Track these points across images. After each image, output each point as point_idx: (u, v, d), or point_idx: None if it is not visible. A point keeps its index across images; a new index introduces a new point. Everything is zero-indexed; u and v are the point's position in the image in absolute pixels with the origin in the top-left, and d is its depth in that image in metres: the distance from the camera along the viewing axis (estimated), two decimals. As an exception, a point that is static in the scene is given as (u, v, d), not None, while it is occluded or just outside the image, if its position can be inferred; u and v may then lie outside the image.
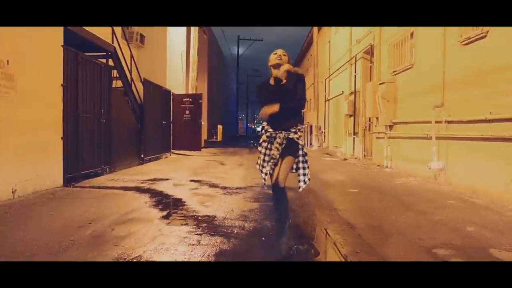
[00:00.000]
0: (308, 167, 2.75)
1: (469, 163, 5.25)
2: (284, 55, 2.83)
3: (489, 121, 4.73)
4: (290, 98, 2.71)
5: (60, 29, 5.37)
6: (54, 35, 5.24)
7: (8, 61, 4.29)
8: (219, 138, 21.20)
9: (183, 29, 14.25)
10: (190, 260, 2.50)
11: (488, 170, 4.78)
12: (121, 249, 2.69)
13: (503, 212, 3.94)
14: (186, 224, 3.43)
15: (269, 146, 2.73)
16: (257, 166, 2.82)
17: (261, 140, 2.79)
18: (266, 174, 2.72)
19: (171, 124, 11.62)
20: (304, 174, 2.73)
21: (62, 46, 5.37)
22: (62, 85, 5.37)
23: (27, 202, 4.26)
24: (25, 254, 2.57)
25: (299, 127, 2.75)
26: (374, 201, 4.74)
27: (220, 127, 21.66)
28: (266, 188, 2.82)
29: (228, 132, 29.18)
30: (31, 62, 4.73)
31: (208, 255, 2.59)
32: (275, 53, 2.83)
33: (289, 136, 2.68)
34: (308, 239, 3.11)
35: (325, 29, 16.69)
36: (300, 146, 2.72)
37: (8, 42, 4.33)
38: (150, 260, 2.49)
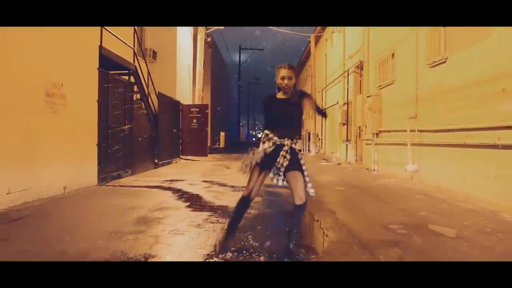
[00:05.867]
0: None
1: (436, 165, 6.31)
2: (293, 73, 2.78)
3: (448, 131, 5.82)
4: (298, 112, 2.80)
5: (96, 55, 6.50)
6: (92, 60, 6.36)
7: (62, 84, 5.39)
8: (222, 144, 22.31)
9: (190, 44, 15.43)
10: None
11: (448, 170, 5.85)
12: (163, 225, 3.74)
13: (453, 203, 5.01)
14: (206, 211, 4.49)
15: (273, 152, 2.71)
16: (247, 163, 2.81)
17: (265, 146, 2.76)
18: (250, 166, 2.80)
19: (180, 132, 12.71)
20: (310, 181, 2.79)
21: (97, 68, 6.49)
22: (97, 101, 6.47)
23: (76, 197, 5.33)
24: (99, 230, 3.62)
25: (297, 137, 2.80)
26: (355, 196, 5.80)
27: (222, 134, 22.78)
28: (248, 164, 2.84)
29: (229, 139, 30.35)
30: (75, 82, 5.82)
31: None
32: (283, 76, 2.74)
33: (292, 146, 2.74)
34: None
35: (322, 42, 17.86)
36: (300, 156, 2.77)
37: (62, 68, 5.44)
38: (186, 232, 3.53)
